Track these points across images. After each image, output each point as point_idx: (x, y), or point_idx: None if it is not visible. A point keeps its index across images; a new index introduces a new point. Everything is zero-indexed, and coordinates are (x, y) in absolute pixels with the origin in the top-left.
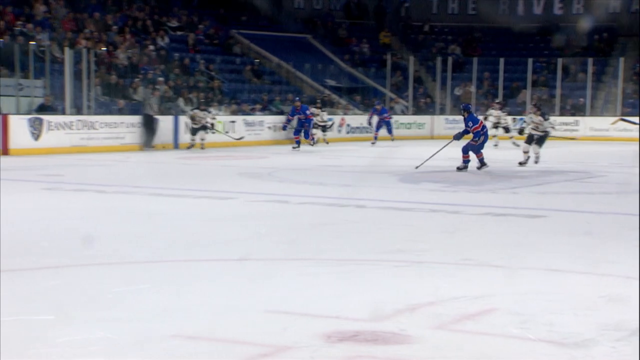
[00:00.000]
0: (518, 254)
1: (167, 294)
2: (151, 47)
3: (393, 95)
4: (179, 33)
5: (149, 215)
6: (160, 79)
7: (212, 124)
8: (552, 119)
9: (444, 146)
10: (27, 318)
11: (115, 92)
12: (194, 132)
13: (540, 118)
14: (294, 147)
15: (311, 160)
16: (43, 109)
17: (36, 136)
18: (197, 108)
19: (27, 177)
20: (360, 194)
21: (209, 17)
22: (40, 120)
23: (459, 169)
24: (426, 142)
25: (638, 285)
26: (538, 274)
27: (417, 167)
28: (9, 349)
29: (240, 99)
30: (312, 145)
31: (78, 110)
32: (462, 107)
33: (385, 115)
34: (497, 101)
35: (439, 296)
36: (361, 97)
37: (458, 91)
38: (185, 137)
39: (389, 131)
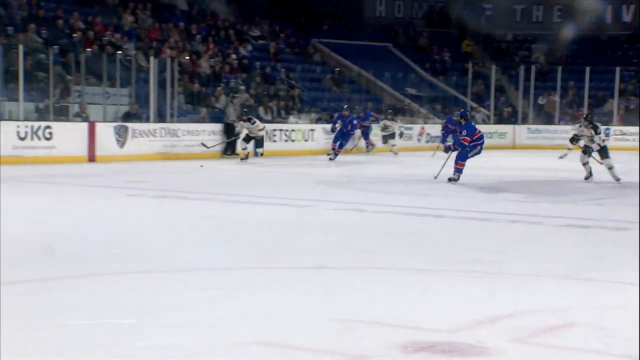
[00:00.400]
0: (600, 266)
1: (245, 300)
2: (233, 56)
3: (474, 104)
4: (260, 42)
5: (228, 221)
6: (242, 87)
7: (401, 132)
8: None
9: (448, 157)
10: (108, 322)
11: (197, 100)
12: (384, 139)
13: (591, 132)
14: (329, 157)
15: (389, 169)
16: (128, 116)
17: (121, 143)
18: (386, 118)
19: (112, 183)
20: (438, 203)
21: (290, 26)
22: (126, 127)
23: (450, 180)
24: (508, 152)
25: (639, 287)
26: (620, 288)
27: (435, 177)
28: (90, 352)
29: (320, 107)
30: (367, 151)
31: (162, 118)
32: (459, 114)
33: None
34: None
35: (518, 308)
36: (442, 106)
37: (542, 100)
38: (266, 145)
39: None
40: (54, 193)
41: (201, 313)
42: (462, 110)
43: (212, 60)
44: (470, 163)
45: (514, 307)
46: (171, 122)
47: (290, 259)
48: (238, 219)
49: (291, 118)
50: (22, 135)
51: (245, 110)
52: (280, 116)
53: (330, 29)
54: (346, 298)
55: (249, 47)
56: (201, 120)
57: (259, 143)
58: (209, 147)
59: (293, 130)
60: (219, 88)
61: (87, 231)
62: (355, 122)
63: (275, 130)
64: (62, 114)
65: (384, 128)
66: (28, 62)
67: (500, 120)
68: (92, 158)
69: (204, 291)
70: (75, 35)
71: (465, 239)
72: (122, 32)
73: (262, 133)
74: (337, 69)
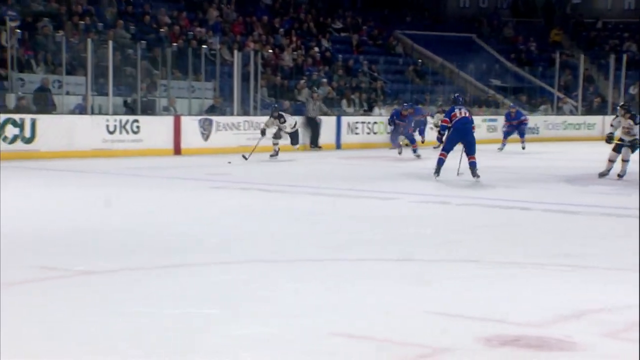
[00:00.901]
0: None
1: (331, 292)
2: (316, 49)
3: (561, 95)
4: (342, 34)
5: (313, 213)
6: (324, 80)
7: None
8: None
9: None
10: (194, 311)
11: (280, 93)
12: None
13: (629, 121)
14: (399, 152)
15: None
16: (212, 110)
17: (206, 136)
18: (438, 112)
19: (196, 175)
20: (524, 195)
21: (372, 18)
22: (210, 121)
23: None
24: (597, 143)
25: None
26: None
27: (458, 175)
28: (176, 342)
29: (403, 100)
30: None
31: (245, 111)
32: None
33: (522, 118)
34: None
35: (607, 303)
36: (527, 97)
37: (633, 90)
38: (348, 137)
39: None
40: (141, 185)
41: (288, 304)
42: (456, 95)
43: (295, 53)
44: (559, 155)
45: (604, 301)
46: (254, 115)
47: (374, 250)
48: (323, 211)
49: (375, 110)
50: (111, 129)
51: (275, 105)
52: (362, 108)
53: (413, 21)
54: (431, 291)
55: (331, 41)
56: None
57: (294, 139)
58: (247, 158)
59: (375, 123)
60: (301, 81)
61: (174, 223)
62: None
63: (357, 122)
64: (149, 108)
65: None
66: (117, 58)
67: (589, 111)
68: (177, 151)
69: (291, 282)
70: (161, 30)
71: (553, 232)
72: (207, 26)
73: (294, 130)
74: (420, 60)
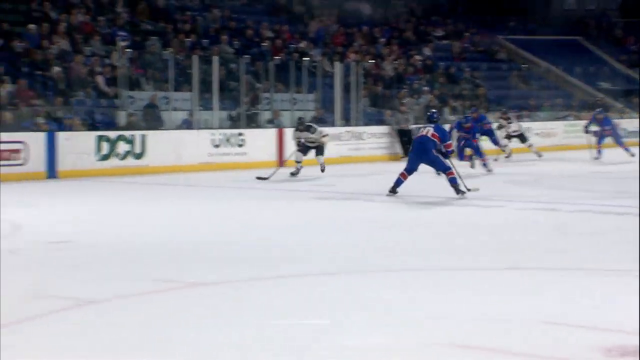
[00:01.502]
0: None
1: (439, 301)
2: (417, 57)
3: None
4: (444, 42)
5: (417, 223)
6: (425, 88)
7: (521, 134)
8: None
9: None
10: (304, 322)
11: (381, 102)
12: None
13: None
14: (471, 166)
15: (580, 166)
16: (315, 121)
17: None
18: (501, 117)
19: (300, 187)
20: (637, 201)
21: (474, 24)
22: None
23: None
24: None
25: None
26: None
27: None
28: (288, 351)
29: (506, 106)
30: (507, 157)
31: (347, 122)
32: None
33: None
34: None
35: None
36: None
37: None
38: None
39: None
40: (246, 197)
41: (395, 314)
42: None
43: (396, 62)
44: None
45: None
46: (356, 125)
47: (483, 259)
48: (425, 220)
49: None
50: (217, 143)
51: (300, 118)
52: (464, 116)
53: (517, 25)
54: (543, 299)
55: (432, 49)
56: (385, 123)
57: (320, 151)
58: (267, 178)
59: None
60: (402, 90)
61: (278, 233)
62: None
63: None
64: (252, 121)
65: (499, 127)
66: (221, 73)
67: None
68: (281, 163)
69: (397, 292)
70: (264, 44)
71: None
72: (308, 39)
73: (325, 140)
74: (524, 65)
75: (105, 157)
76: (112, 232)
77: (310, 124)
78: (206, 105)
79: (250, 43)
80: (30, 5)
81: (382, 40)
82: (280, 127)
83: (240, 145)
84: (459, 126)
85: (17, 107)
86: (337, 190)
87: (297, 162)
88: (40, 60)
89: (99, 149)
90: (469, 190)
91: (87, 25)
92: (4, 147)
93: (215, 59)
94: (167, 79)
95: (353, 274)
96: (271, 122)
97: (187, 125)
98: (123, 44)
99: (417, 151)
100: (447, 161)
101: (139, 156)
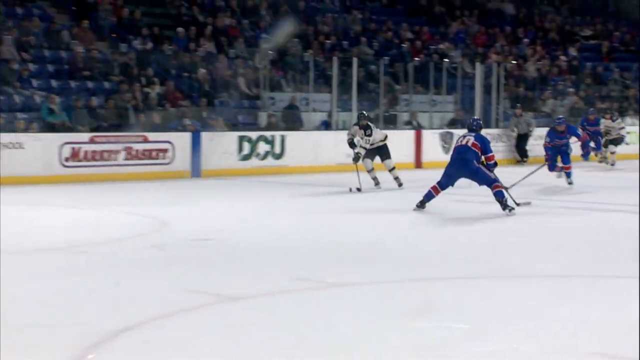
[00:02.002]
0: None
1: (586, 309)
2: (562, 58)
3: None
4: (591, 42)
5: (557, 228)
6: (571, 89)
7: (620, 137)
8: None
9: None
10: (446, 326)
11: (523, 104)
12: (605, 144)
13: None
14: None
15: None
16: (453, 123)
17: (447, 150)
18: (603, 117)
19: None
20: None
21: (625, 23)
22: (451, 134)
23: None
24: None
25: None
26: None
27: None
28: (428, 355)
29: None
30: (605, 164)
31: (486, 124)
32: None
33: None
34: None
35: None
36: None
37: None
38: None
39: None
40: (382, 198)
41: (539, 320)
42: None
43: (539, 63)
44: None
45: None
46: (495, 127)
47: (620, 267)
48: (569, 225)
49: (626, 119)
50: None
51: (362, 112)
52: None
53: None
54: None
55: (579, 48)
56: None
57: (385, 153)
58: (360, 190)
59: (628, 132)
60: (546, 92)
61: (415, 236)
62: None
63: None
64: (390, 123)
65: (606, 132)
66: (360, 74)
67: None
68: (418, 164)
69: (541, 298)
70: (403, 45)
71: None
72: (448, 39)
73: (382, 144)
74: None
75: (246, 157)
76: (253, 230)
77: (369, 123)
78: (345, 107)
79: (390, 44)
80: (179, 9)
81: (526, 40)
82: (418, 129)
83: None
84: (554, 134)
85: (165, 109)
86: (474, 192)
87: (369, 170)
88: (187, 63)
89: (240, 149)
90: (518, 205)
91: (232, 28)
92: (152, 146)
93: (355, 61)
94: (307, 80)
95: (494, 279)
96: (409, 124)
97: (325, 126)
98: (265, 46)
99: (455, 164)
100: (492, 173)
101: (278, 156)
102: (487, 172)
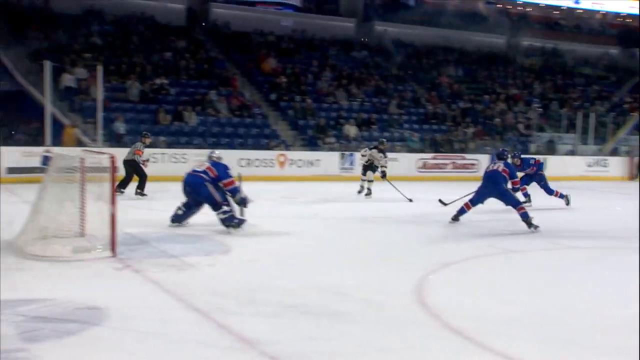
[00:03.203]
0: None
1: None
2: None
3: None
4: None
5: None
6: None
7: None
8: None
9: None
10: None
11: None
12: None
13: None
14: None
15: None
16: None
17: None
18: None
19: None
20: None
21: None
22: None
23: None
24: None
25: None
26: None
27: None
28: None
29: None
30: None
31: None
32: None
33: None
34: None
35: None
36: None
37: None
38: None
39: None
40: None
41: None
42: (501, 150)
43: None
44: None
45: None
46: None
47: None
48: None
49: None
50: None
51: (382, 140)
52: None
53: None
54: None
55: None
56: None
57: (374, 169)
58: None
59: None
60: None
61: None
62: None
63: None
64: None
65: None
66: (594, 123)
67: None
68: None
69: None
70: None
71: None
72: None
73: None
74: None
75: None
76: None
77: (382, 148)
78: (584, 142)
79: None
80: (486, 83)
81: None
82: None
83: None
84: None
85: (475, 141)
86: None
87: (369, 181)
88: (488, 114)
89: None
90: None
91: (517, 95)
92: (466, 162)
93: (592, 115)
94: (560, 125)
95: None
96: None
97: (572, 153)
98: (535, 105)
99: (487, 184)
100: (516, 196)
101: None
102: (513, 194)
